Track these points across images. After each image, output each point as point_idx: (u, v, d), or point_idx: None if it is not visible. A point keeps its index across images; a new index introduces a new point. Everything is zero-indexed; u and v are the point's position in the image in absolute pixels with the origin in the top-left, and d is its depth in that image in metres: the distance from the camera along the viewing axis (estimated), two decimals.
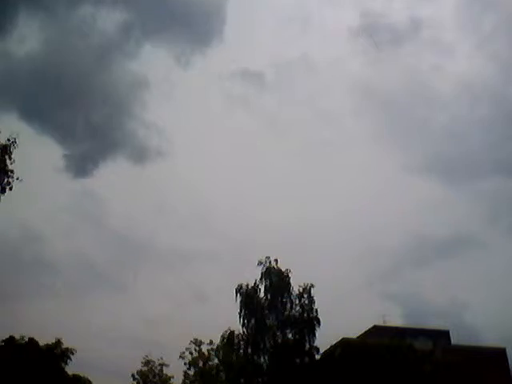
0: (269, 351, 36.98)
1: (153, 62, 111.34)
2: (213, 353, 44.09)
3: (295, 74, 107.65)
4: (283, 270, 38.39)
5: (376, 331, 40.66)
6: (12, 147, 22.07)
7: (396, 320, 45.12)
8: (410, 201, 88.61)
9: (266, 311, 37.81)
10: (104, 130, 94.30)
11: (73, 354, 42.40)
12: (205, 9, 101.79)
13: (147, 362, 47.08)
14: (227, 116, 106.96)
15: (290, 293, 37.97)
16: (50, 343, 42.10)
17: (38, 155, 74.72)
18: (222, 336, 40.01)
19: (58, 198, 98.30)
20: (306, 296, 37.72)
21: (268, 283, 38.16)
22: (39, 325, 52.14)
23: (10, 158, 22.03)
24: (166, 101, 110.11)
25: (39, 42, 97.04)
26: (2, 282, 47.75)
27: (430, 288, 66.97)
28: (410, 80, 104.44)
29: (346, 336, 38.48)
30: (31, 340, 41.65)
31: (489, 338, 54.05)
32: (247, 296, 37.91)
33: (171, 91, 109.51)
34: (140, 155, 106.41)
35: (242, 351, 37.57)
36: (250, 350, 37.17)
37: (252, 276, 38.31)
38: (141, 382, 46.39)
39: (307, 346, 36.85)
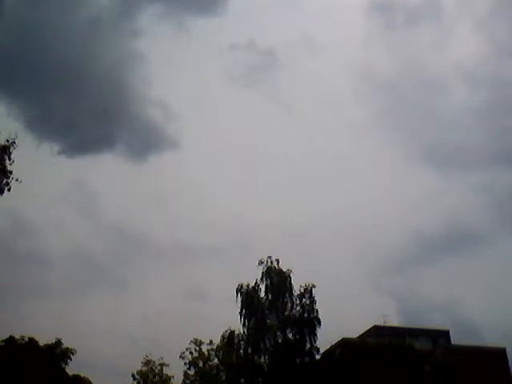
0: (269, 351, 36.94)
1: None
2: (213, 353, 44.03)
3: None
4: (284, 270, 38.37)
5: (376, 331, 40.65)
6: (11, 148, 21.94)
7: (396, 317, 45.07)
8: (410, 194, 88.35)
9: (267, 311, 37.77)
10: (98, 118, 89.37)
11: (73, 353, 42.23)
12: None
13: (147, 362, 46.97)
14: (232, 99, 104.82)
15: (290, 293, 37.95)
16: (50, 343, 42.04)
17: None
18: (222, 336, 40.00)
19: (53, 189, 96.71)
20: (307, 296, 37.71)
21: (269, 283, 38.13)
22: (38, 323, 52.15)
23: (10, 159, 21.88)
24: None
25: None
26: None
27: (431, 285, 67.00)
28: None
29: (345, 336, 38.50)
30: (31, 340, 41.54)
31: (490, 336, 53.95)
32: (248, 296, 37.86)
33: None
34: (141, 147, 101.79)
35: (242, 351, 37.52)
36: (250, 350, 37.13)
37: (253, 275, 38.36)
38: (141, 381, 46.32)
39: (307, 346, 36.85)
